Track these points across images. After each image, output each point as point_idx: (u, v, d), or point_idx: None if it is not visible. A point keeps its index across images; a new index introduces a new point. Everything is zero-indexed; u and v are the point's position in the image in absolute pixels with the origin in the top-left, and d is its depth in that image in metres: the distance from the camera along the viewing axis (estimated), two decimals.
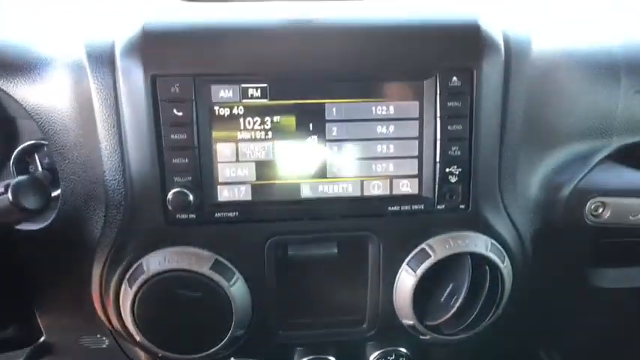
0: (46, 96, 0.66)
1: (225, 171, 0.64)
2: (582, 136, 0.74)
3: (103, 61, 0.63)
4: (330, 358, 0.78)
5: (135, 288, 0.63)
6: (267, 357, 0.74)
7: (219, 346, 0.66)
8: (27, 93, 0.67)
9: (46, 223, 0.69)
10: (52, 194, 0.69)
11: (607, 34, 0.78)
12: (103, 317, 0.71)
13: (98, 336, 0.97)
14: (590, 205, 0.74)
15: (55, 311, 0.84)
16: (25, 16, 0.81)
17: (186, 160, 0.62)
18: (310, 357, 0.77)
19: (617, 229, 0.76)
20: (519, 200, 0.71)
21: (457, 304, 0.65)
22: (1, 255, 0.73)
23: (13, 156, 0.72)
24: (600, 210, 0.74)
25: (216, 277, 0.64)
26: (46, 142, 0.70)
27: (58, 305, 0.83)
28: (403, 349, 0.79)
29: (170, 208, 0.62)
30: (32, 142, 0.73)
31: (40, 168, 0.74)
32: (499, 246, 0.69)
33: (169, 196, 0.62)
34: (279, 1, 0.69)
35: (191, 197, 0.62)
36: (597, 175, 0.75)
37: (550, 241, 0.76)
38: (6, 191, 0.58)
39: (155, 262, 0.64)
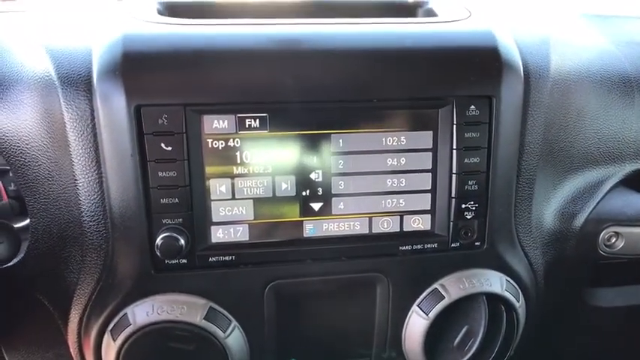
0: (11, 122, 0.57)
1: (219, 210, 0.57)
2: (596, 161, 0.70)
3: (79, 84, 0.55)
4: None
5: (120, 341, 0.56)
6: None
7: None
8: None
9: (15, 260, 0.61)
10: (21, 224, 0.61)
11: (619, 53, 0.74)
12: None
13: None
14: (603, 235, 0.70)
15: (23, 351, 0.76)
16: None
17: (177, 200, 0.55)
18: None
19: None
20: (533, 232, 0.67)
21: (474, 348, 0.61)
22: None
23: None
24: (614, 240, 0.71)
25: (211, 327, 0.57)
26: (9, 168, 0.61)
27: (26, 346, 0.75)
28: None
29: (158, 253, 0.55)
30: None
31: (4, 197, 0.66)
32: (514, 283, 0.65)
33: (158, 241, 0.55)
34: (274, 19, 0.61)
35: (182, 241, 0.55)
36: (610, 202, 0.71)
37: (557, 272, 0.72)
38: None
39: (142, 313, 0.56)
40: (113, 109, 0.53)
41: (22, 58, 0.59)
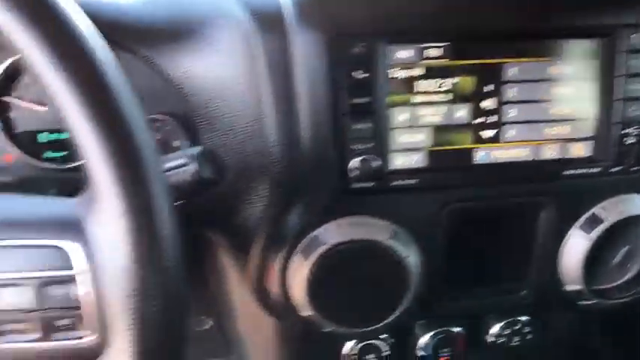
0: (198, 63, 0.62)
1: (400, 137, 0.61)
2: None
3: (273, 21, 0.59)
4: (456, 329, 0.77)
5: (312, 260, 0.60)
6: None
7: (391, 318, 0.64)
8: (174, 60, 0.62)
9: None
10: None
11: None
12: (252, 293, 0.68)
13: (202, 317, 0.95)
14: None
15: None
16: None
17: (366, 127, 0.59)
18: (436, 330, 0.76)
19: None
20: None
21: (634, 269, 0.64)
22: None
23: None
24: None
25: (396, 247, 0.61)
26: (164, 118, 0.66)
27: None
28: (524, 318, 0.78)
29: (350, 176, 0.59)
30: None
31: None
32: None
33: (350, 164, 0.59)
34: None
35: (371, 166, 0.59)
36: None
37: None
38: (189, 162, 0.54)
39: (333, 233, 0.61)
40: (307, 41, 0.57)
41: None
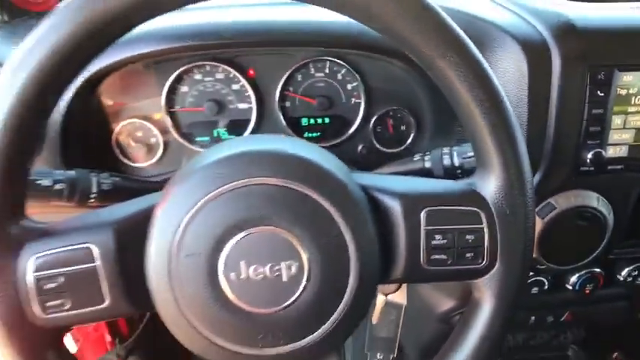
0: None
1: (614, 136, 0.87)
2: None
3: (539, 52, 0.82)
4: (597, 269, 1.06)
5: (546, 220, 0.89)
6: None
7: (590, 258, 0.93)
8: None
9: None
10: None
11: None
12: None
13: None
14: None
15: None
16: None
17: (598, 129, 0.85)
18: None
19: None
20: None
21: None
22: None
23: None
24: None
25: (603, 210, 0.90)
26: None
27: None
28: None
29: (582, 162, 0.86)
30: None
31: None
32: None
33: (589, 155, 0.85)
34: None
35: (603, 154, 0.86)
36: None
37: None
38: None
39: (564, 201, 0.89)
40: (565, 68, 0.81)
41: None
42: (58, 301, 0.54)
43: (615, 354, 1.21)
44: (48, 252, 0.53)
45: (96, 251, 0.54)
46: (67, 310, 0.54)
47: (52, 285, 0.53)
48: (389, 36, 0.54)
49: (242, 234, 0.53)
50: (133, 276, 0.55)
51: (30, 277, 0.52)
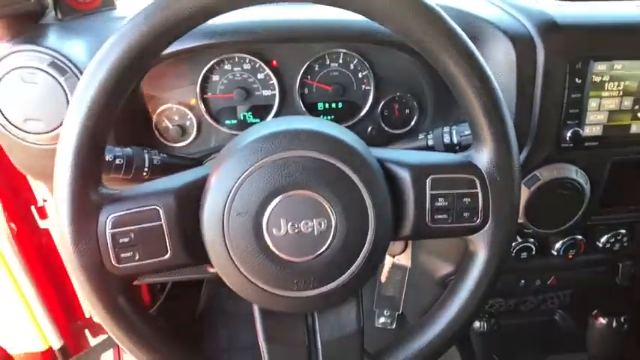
0: None
1: (591, 117, 1.01)
2: None
3: (526, 46, 0.94)
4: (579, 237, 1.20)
5: (532, 190, 1.02)
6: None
7: (569, 224, 1.07)
8: None
9: None
10: None
11: None
12: None
13: None
14: None
15: None
16: None
17: (577, 111, 0.99)
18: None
19: None
20: None
21: None
22: None
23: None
24: None
25: (580, 180, 1.03)
26: None
27: None
28: (623, 230, 1.20)
29: (562, 140, 1.00)
30: None
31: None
32: None
33: (569, 133, 0.99)
34: None
35: (579, 134, 0.99)
36: None
37: None
38: None
39: (546, 173, 1.03)
40: (549, 60, 0.94)
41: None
42: (130, 253, 0.64)
43: (595, 311, 1.35)
44: (122, 212, 0.65)
45: (161, 212, 0.66)
46: (137, 261, 0.65)
47: (125, 239, 0.64)
48: (402, 36, 0.65)
49: (281, 197, 0.63)
50: (191, 233, 0.67)
51: (107, 234, 0.63)
